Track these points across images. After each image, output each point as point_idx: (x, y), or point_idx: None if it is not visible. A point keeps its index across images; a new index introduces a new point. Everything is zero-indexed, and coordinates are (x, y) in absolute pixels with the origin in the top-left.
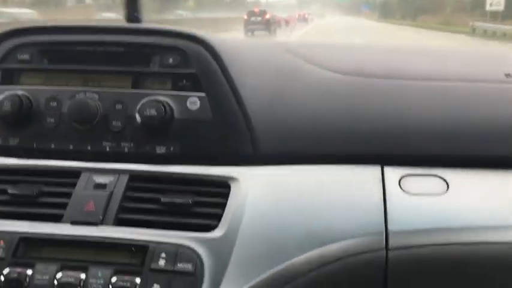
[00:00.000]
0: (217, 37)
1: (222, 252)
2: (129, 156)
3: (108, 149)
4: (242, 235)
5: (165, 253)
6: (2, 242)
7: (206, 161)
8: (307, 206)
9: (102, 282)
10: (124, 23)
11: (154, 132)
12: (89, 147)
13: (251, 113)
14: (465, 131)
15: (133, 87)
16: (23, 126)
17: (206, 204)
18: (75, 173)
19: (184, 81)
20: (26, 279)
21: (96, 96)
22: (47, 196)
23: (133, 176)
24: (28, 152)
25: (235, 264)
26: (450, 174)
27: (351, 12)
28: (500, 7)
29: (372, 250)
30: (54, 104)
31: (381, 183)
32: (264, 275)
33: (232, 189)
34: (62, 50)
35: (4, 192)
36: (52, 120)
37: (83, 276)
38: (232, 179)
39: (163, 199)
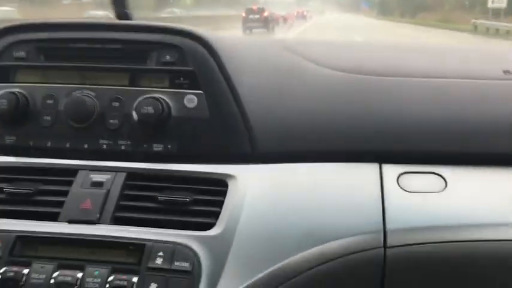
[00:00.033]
0: (214, 34)
1: (220, 251)
2: (126, 154)
3: (105, 147)
4: (240, 233)
5: (162, 252)
6: None
7: (203, 159)
8: (305, 204)
9: (99, 281)
10: (116, 20)
11: (152, 130)
12: (86, 146)
13: (249, 111)
14: (463, 128)
15: (130, 84)
16: (20, 124)
17: (204, 202)
18: (72, 171)
19: (182, 78)
20: (22, 278)
21: (93, 94)
22: (43, 194)
23: (131, 174)
24: (24, 150)
25: (232, 263)
26: (448, 171)
27: (350, 9)
28: (503, 4)
29: (370, 248)
30: (51, 101)
31: (379, 180)
32: (261, 273)
33: (229, 187)
34: (59, 47)
35: (0, 190)
36: (49, 118)
37: (79, 275)
38: (230, 177)
39: (160, 197)
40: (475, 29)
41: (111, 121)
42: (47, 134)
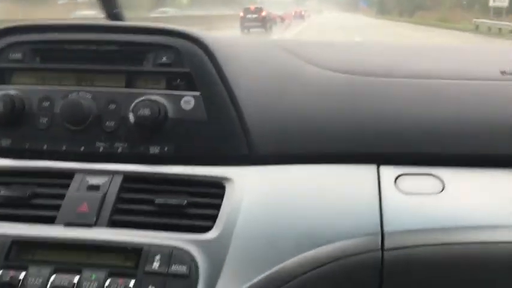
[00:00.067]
0: (212, 35)
1: (217, 254)
2: (123, 157)
3: (101, 149)
4: (237, 236)
5: (159, 255)
6: None
7: (200, 161)
8: (303, 206)
9: (95, 285)
10: (111, 22)
11: (148, 132)
12: (82, 148)
13: (246, 113)
14: (460, 129)
15: (126, 86)
16: (15, 126)
17: (201, 205)
18: (69, 174)
19: (178, 80)
20: (18, 283)
21: (89, 96)
22: (39, 198)
23: (127, 176)
24: (20, 153)
25: (230, 266)
26: (446, 173)
27: (349, 8)
28: (505, 3)
29: (368, 251)
30: (47, 104)
31: (377, 182)
32: (259, 277)
33: (227, 189)
34: (55, 49)
35: None
36: (45, 120)
37: (76, 279)
38: (227, 179)
39: (157, 200)
40: (476, 29)
41: (108, 123)
42: (43, 136)
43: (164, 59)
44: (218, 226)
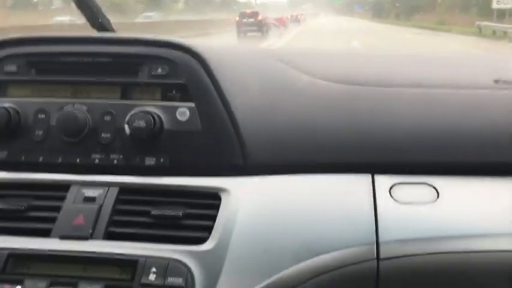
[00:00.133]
0: (206, 45)
1: (213, 265)
2: (119, 169)
3: (97, 161)
4: (233, 247)
5: (155, 267)
6: None
7: (196, 172)
8: (298, 216)
9: None
10: (106, 34)
11: (144, 143)
12: (78, 160)
13: (241, 123)
14: (454, 138)
15: (122, 98)
16: (11, 139)
17: (197, 216)
18: (64, 187)
19: (174, 91)
20: None
21: (85, 108)
22: (35, 210)
23: (123, 188)
24: (16, 166)
25: (226, 277)
26: (440, 182)
27: (344, 11)
28: (509, 5)
29: (363, 260)
30: (42, 116)
31: (372, 192)
32: None
33: (222, 200)
34: (50, 61)
35: None
36: (40, 132)
37: None
38: (223, 190)
39: (153, 212)
40: (479, 32)
41: (103, 135)
42: (38, 148)
43: (159, 70)
44: (214, 237)
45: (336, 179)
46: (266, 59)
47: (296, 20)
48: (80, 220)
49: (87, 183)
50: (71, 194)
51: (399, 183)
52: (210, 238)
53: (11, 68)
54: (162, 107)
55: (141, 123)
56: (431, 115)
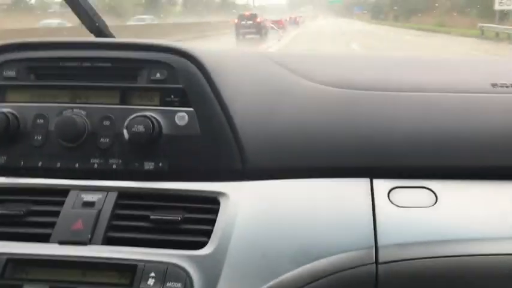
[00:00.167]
0: (205, 49)
1: (212, 270)
2: (118, 173)
3: (96, 166)
4: (232, 252)
5: (154, 272)
6: None
7: (195, 177)
8: (297, 221)
9: None
10: (105, 38)
11: (143, 148)
12: (77, 165)
13: (240, 128)
14: (452, 142)
15: (121, 102)
16: (10, 144)
17: (196, 220)
18: (63, 191)
19: (172, 96)
20: None
21: (84, 113)
22: (34, 215)
23: (122, 193)
24: (15, 171)
25: (225, 282)
26: (438, 185)
27: (343, 13)
28: (511, 6)
29: (362, 264)
30: (41, 121)
31: (370, 196)
32: None
33: (221, 205)
34: (49, 66)
35: None
36: (39, 137)
37: None
38: (222, 194)
39: (152, 216)
40: (482, 34)
41: (102, 140)
42: (37, 153)
43: (158, 75)
44: (213, 242)
45: (334, 183)
46: (264, 62)
47: (295, 22)
48: (78, 225)
49: (86, 188)
50: (69, 199)
51: (398, 187)
52: (209, 243)
53: (10, 73)
54: (161, 112)
55: (140, 128)
56: (429, 119)
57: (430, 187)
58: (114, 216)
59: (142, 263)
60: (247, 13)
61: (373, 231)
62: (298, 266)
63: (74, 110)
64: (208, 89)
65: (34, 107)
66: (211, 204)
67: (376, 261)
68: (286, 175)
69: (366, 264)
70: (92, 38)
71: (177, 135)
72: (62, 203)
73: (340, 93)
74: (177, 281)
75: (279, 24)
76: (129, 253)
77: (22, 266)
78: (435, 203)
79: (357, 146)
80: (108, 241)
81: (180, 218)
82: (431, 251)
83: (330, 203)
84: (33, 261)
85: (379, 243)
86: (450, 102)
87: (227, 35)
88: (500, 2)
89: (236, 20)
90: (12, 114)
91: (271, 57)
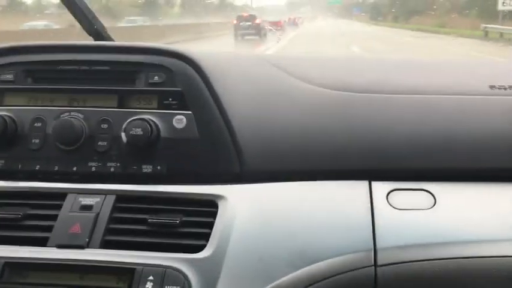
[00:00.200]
0: (203, 52)
1: (210, 273)
2: (116, 177)
3: (94, 169)
4: (230, 255)
5: (152, 276)
6: None
7: (193, 180)
8: (295, 223)
9: None
10: (102, 42)
11: (141, 151)
12: (75, 168)
13: (238, 131)
14: (451, 144)
15: (118, 106)
16: (8, 147)
17: (194, 224)
18: (61, 195)
19: (170, 99)
20: None
21: (82, 116)
22: (32, 219)
23: (120, 196)
24: (13, 174)
25: (223, 285)
26: (437, 188)
27: (342, 14)
28: None
29: (361, 267)
30: (39, 124)
31: (369, 198)
32: None
33: (219, 208)
34: (46, 70)
35: None
36: (37, 141)
37: None
38: (220, 197)
39: (150, 220)
40: (485, 35)
41: (100, 143)
42: (35, 157)
43: (156, 78)
44: (211, 245)
45: (332, 185)
46: (262, 65)
47: (294, 23)
48: (76, 228)
49: (84, 192)
50: (67, 203)
51: (396, 190)
52: (207, 246)
53: (8, 76)
54: (159, 115)
55: (138, 131)
56: (427, 121)
57: (428, 189)
58: (112, 219)
59: (141, 267)
60: (245, 14)
61: (371, 233)
62: (297, 269)
63: (72, 113)
64: (206, 92)
65: (32, 110)
66: (209, 207)
67: (375, 264)
68: (284, 178)
69: (365, 267)
70: (89, 42)
71: (175, 139)
72: (59, 207)
73: (338, 95)
74: (175, 284)
75: (277, 25)
76: (127, 256)
77: (20, 270)
78: (434, 205)
79: (355, 149)
80: (106, 244)
81: (178, 221)
82: (430, 253)
83: (328, 205)
84: (31, 265)
85: (378, 245)
86: (449, 105)
87: (226, 35)
88: (504, 2)
89: (235, 21)
90: (10, 117)
91: (269, 59)
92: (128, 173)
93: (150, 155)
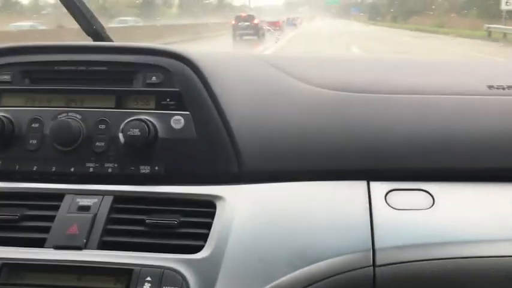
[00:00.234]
0: (201, 53)
1: (209, 274)
2: (113, 177)
3: (91, 170)
4: (228, 255)
5: (150, 276)
6: None
7: (191, 180)
8: (294, 224)
9: None
10: (100, 42)
11: (139, 152)
12: (72, 169)
13: (236, 131)
14: (449, 144)
15: (116, 106)
16: (5, 148)
17: (192, 224)
18: (58, 196)
19: (168, 99)
20: None
21: (79, 117)
22: (29, 220)
23: (118, 197)
24: (10, 175)
25: (222, 286)
26: (436, 188)
27: (341, 14)
28: None
29: (359, 267)
30: (37, 125)
31: (367, 198)
32: None
33: (218, 208)
34: (44, 70)
35: None
36: (34, 142)
37: None
38: (218, 198)
39: (148, 220)
40: (489, 35)
41: (98, 144)
42: (33, 158)
43: (154, 78)
44: (209, 245)
45: (331, 186)
46: (260, 65)
47: (292, 23)
48: (74, 229)
49: (82, 192)
50: (65, 203)
51: (395, 190)
52: (205, 246)
53: (5, 77)
54: (157, 115)
55: (136, 132)
56: (426, 121)
57: (427, 189)
58: (109, 220)
59: (138, 267)
60: (244, 14)
61: (370, 233)
62: (295, 269)
63: (69, 113)
64: (204, 92)
65: (29, 111)
66: (207, 207)
67: (374, 264)
68: (283, 178)
69: (364, 267)
70: (86, 42)
71: (173, 139)
72: (57, 208)
73: (336, 95)
74: (173, 285)
75: (276, 25)
76: (125, 257)
77: (17, 271)
78: (432, 205)
79: (354, 149)
80: (104, 245)
81: (176, 222)
82: (429, 253)
83: (326, 205)
84: (29, 266)
85: (377, 245)
86: (447, 105)
87: (224, 36)
88: (507, 2)
89: (233, 21)
90: (7, 118)
91: (267, 59)
92: (126, 173)
93: (148, 155)
